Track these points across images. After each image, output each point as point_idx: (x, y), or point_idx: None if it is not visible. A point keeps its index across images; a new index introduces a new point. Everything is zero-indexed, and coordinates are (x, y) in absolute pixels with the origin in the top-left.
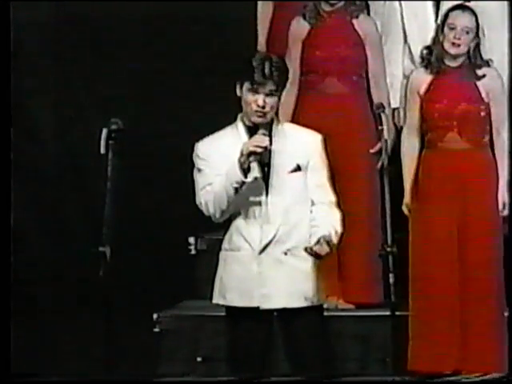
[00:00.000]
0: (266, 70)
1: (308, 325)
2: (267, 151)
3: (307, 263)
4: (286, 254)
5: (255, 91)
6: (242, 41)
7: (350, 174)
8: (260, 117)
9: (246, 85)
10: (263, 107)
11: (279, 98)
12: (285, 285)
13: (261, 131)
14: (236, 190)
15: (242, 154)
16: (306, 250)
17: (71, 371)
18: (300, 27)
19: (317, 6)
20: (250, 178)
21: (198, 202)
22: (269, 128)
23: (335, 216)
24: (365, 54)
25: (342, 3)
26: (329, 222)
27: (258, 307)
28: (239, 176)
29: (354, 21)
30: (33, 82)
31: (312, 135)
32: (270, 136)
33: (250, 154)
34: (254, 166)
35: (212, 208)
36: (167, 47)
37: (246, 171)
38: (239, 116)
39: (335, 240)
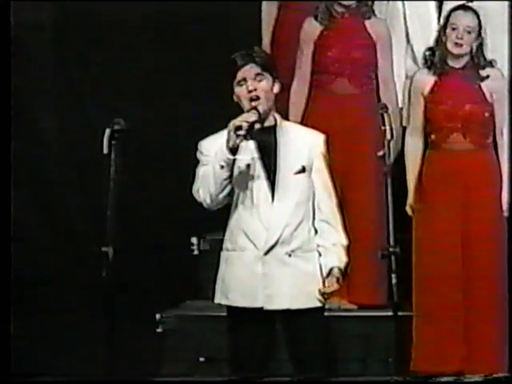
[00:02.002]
0: (246, 56)
1: (310, 325)
2: (254, 130)
3: (311, 264)
4: (290, 255)
5: (243, 81)
6: (247, 41)
7: (356, 174)
8: (254, 100)
9: (234, 82)
10: (255, 89)
11: (272, 86)
12: (289, 286)
13: (252, 110)
14: (222, 167)
15: (228, 131)
16: (319, 292)
17: (73, 371)
18: (312, 28)
19: (329, 6)
20: (238, 157)
21: (193, 191)
22: (273, 128)
23: (339, 227)
24: (376, 55)
25: (354, 4)
26: (336, 239)
27: (261, 308)
28: (225, 154)
29: (367, 22)
30: (35, 82)
31: (316, 136)
32: (275, 133)
33: (237, 128)
34: (259, 167)
35: (202, 192)
36: (170, 47)
37: (233, 150)
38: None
39: (345, 258)
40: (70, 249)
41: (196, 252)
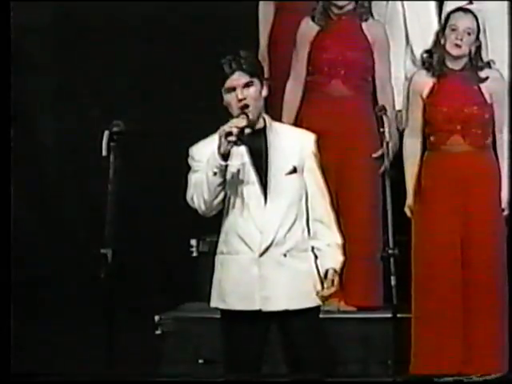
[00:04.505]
0: (233, 63)
1: (307, 325)
2: (244, 135)
3: (306, 264)
4: (285, 255)
5: (231, 89)
6: (244, 42)
7: (352, 176)
8: (244, 108)
9: (223, 89)
10: (244, 99)
11: (261, 91)
12: (285, 286)
13: (241, 115)
14: (215, 174)
15: (219, 137)
16: (317, 294)
17: (73, 372)
18: (309, 28)
19: (326, 8)
20: (230, 162)
21: (188, 198)
22: (263, 131)
23: (333, 226)
24: (372, 58)
25: (351, 6)
26: (330, 239)
27: (258, 310)
28: (218, 160)
29: (363, 24)
30: (34, 84)
31: (306, 135)
32: (265, 135)
33: (227, 134)
34: (251, 170)
35: (196, 199)
36: (168, 49)
37: (225, 156)
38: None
39: (340, 258)
40: (69, 250)
41: (195, 254)
